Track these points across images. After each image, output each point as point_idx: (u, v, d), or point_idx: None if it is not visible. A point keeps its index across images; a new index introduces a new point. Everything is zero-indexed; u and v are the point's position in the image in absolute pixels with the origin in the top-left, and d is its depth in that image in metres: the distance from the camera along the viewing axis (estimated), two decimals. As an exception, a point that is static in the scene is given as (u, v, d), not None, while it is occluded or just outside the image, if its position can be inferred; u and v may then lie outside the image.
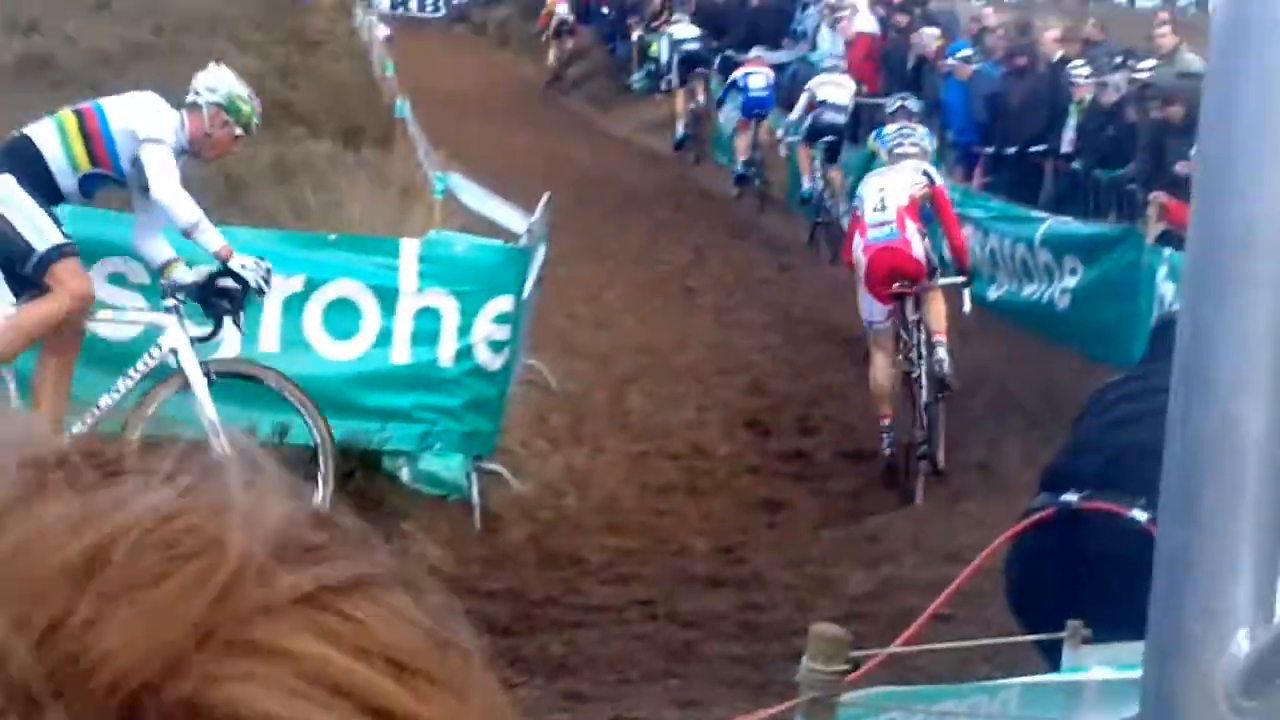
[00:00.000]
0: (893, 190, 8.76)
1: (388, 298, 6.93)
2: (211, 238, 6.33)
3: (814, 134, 14.33)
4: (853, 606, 5.80)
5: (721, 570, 6.78)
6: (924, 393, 8.31)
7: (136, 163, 6.37)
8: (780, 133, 15.57)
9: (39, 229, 6.23)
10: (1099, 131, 13.31)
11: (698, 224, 15.78)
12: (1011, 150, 14.54)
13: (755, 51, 18.53)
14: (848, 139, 14.32)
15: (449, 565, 6.59)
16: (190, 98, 6.65)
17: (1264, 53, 1.09)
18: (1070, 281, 11.11)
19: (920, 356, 8.38)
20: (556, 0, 26.67)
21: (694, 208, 16.95)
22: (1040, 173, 14.41)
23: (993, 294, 12.14)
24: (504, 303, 7.07)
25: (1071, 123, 13.88)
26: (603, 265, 13.07)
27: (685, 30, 20.08)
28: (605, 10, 28.23)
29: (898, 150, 9.34)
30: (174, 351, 6.27)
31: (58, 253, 6.21)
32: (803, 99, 14.90)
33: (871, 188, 8.95)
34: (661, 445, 8.47)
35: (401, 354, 6.97)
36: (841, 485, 8.02)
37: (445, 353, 6.99)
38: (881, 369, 8.61)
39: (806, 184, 13.76)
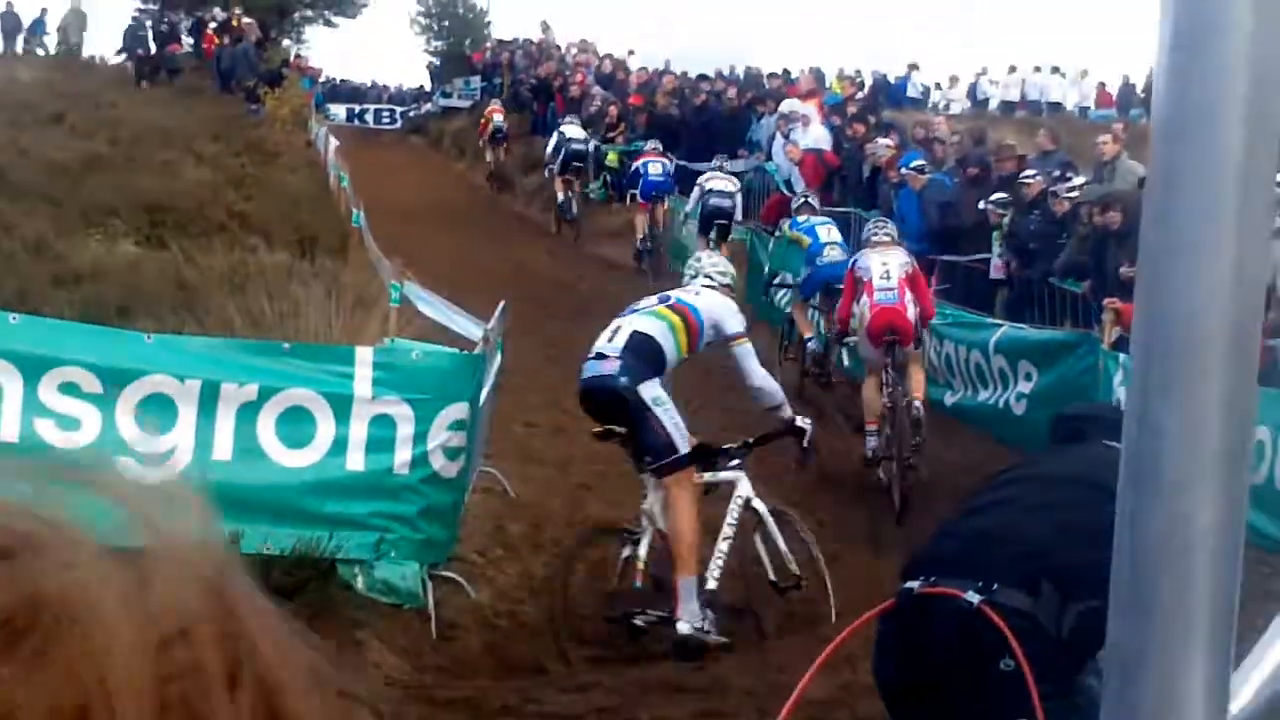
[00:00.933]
0: (893, 266, 10.88)
1: (342, 405, 6.92)
2: (786, 409, 7.90)
3: (706, 220, 17.77)
4: (814, 711, 5.76)
5: (683, 677, 6.73)
6: (904, 419, 10.47)
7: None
8: (681, 219, 19.06)
9: (683, 434, 7.29)
10: (1048, 237, 13.58)
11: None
12: (964, 259, 14.82)
13: (716, 162, 19.31)
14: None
15: (405, 674, 6.51)
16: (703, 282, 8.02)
17: (1203, 142, 1.10)
18: (1026, 386, 11.24)
19: (896, 406, 10.56)
20: (494, 111, 29.58)
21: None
22: (993, 280, 14.62)
23: (949, 400, 12.26)
24: (459, 410, 7.08)
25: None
26: (561, 371, 13.09)
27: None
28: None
29: (876, 239, 11.35)
30: (747, 500, 7.50)
31: (688, 459, 7.26)
32: (694, 193, 18.41)
33: (875, 262, 10.96)
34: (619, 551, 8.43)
35: (356, 461, 6.94)
36: (800, 592, 7.98)
37: (400, 460, 6.98)
38: (871, 389, 10.90)
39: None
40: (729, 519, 7.48)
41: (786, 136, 19.24)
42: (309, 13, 48.64)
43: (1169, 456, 1.13)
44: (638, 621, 7.25)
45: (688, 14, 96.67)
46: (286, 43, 44.86)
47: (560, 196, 22.81)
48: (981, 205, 14.56)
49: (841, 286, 11.55)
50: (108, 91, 27.31)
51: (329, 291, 10.80)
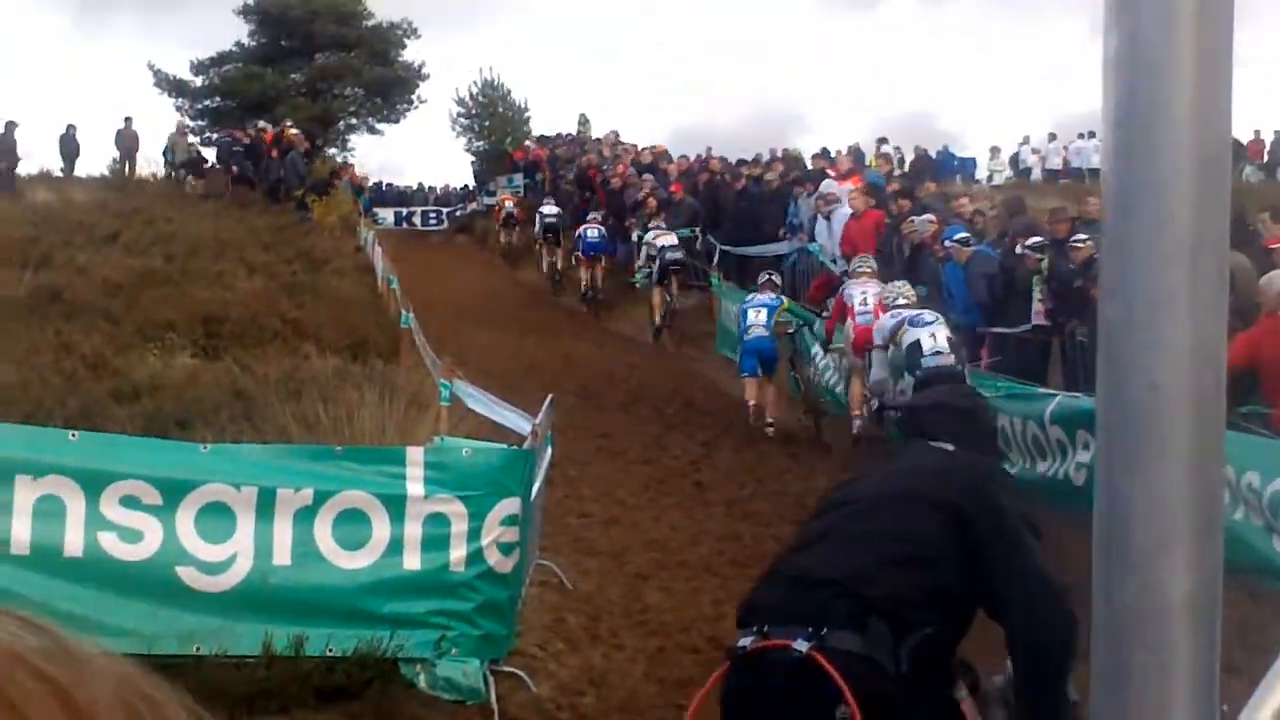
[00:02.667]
0: (870, 295, 14.28)
1: (396, 506, 7.02)
2: None
3: (663, 272, 21.16)
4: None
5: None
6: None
7: None
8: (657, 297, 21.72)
9: None
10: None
11: (705, 419, 15.94)
12: (1015, 330, 14.76)
13: (758, 249, 19.99)
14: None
15: (470, 771, 6.54)
16: None
17: (1154, 216, 1.13)
18: (1085, 456, 11.14)
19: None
20: (506, 198, 35.38)
21: (701, 402, 17.14)
22: (1046, 350, 14.54)
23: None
24: (511, 504, 7.15)
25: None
26: (613, 463, 13.18)
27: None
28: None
29: (859, 271, 14.92)
30: None
31: None
32: (642, 253, 22.17)
33: (856, 291, 14.56)
34: (680, 640, 8.42)
35: (413, 561, 7.02)
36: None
37: (456, 557, 7.04)
38: (857, 387, 14.26)
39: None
40: None
41: (828, 218, 19.35)
42: (353, 121, 49.75)
43: (1137, 527, 1.15)
44: None
45: (726, 96, 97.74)
46: (332, 151, 45.85)
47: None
48: (1018, 249, 14.53)
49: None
50: (160, 207, 27.92)
51: (381, 393, 10.94)
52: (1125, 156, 1.16)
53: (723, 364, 18.78)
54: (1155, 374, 1.13)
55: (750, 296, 16.34)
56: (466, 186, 46.24)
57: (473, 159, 50.14)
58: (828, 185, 20.47)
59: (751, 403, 15.31)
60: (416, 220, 43.40)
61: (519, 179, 38.72)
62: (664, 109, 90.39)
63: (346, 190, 33.17)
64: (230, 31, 48.94)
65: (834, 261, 18.90)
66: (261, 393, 11.75)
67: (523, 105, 51.84)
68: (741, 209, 23.49)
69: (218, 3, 61.20)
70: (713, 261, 22.39)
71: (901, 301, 13.19)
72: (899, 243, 17.46)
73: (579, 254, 25.69)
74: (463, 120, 51.90)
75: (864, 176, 22.11)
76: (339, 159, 44.23)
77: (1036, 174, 37.17)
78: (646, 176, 26.96)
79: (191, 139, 35.82)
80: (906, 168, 30.28)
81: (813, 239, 20.06)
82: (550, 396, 8.95)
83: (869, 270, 14.76)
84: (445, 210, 43.82)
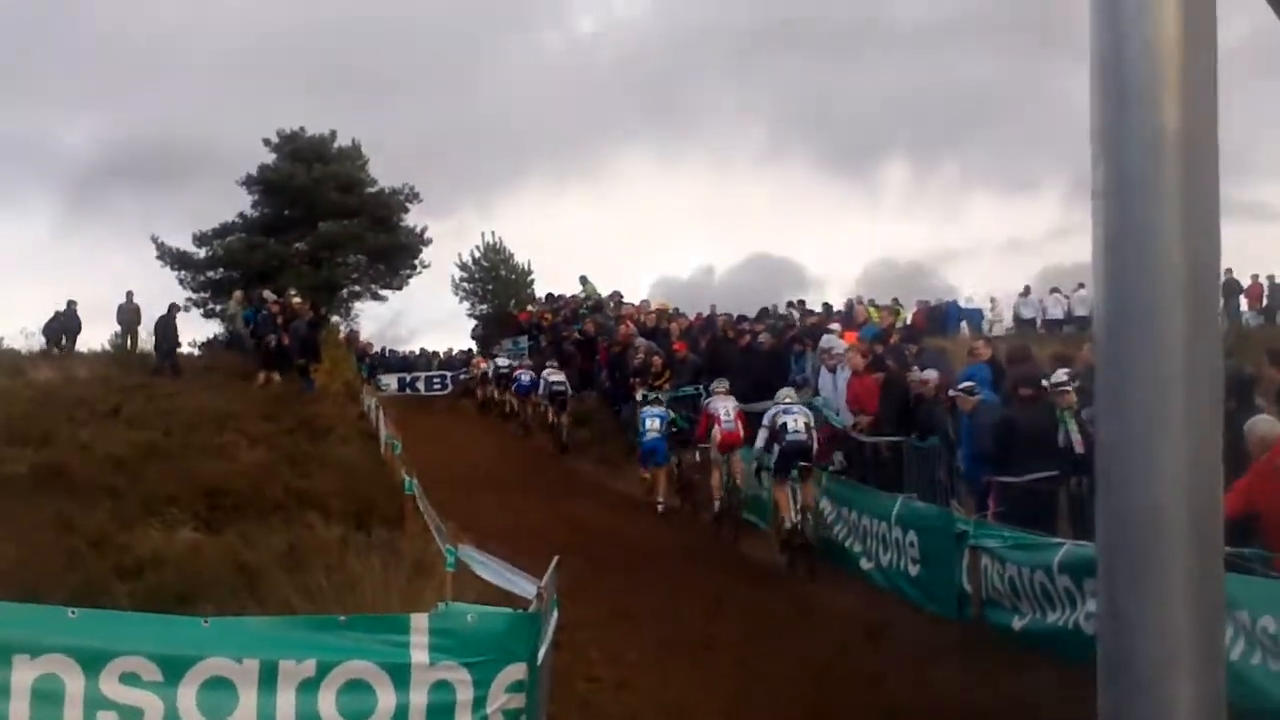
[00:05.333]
0: (731, 407, 19.56)
1: (401, 674, 6.98)
2: None
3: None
4: None
5: None
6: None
7: None
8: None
9: None
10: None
11: (713, 576, 15.90)
12: (1021, 479, 14.72)
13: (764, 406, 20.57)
14: None
15: None
16: None
17: (1146, 336, 1.16)
18: (1094, 605, 11.07)
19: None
20: (480, 360, 40.31)
21: (708, 559, 17.09)
22: (1054, 499, 14.51)
23: (1017, 624, 12.11)
24: (517, 670, 7.11)
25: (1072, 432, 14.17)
26: (621, 626, 13.10)
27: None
28: (605, 374, 29.37)
29: (718, 390, 20.10)
30: None
31: None
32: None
33: (720, 405, 19.66)
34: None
35: (418, 730, 6.98)
36: None
37: (462, 725, 7.01)
38: (717, 477, 19.79)
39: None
40: None
41: (833, 371, 19.57)
42: (356, 288, 50.35)
43: (1141, 648, 1.16)
44: None
45: (724, 252, 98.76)
46: (336, 319, 46.31)
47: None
48: (1045, 383, 14.49)
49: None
50: (162, 381, 28.14)
51: (386, 560, 10.95)
52: (1116, 279, 1.20)
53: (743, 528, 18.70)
54: (1155, 493, 1.14)
55: (646, 408, 22.81)
56: (469, 350, 46.65)
57: (475, 323, 50.76)
58: (830, 340, 20.72)
59: (654, 488, 21.97)
60: (420, 385, 43.76)
61: (523, 341, 39.10)
62: (661, 262, 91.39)
63: (350, 358, 33.44)
64: (233, 203, 49.58)
65: (837, 413, 19.07)
66: (264, 565, 11.76)
67: (525, 267, 52.66)
68: (746, 365, 23.69)
69: (220, 174, 62.40)
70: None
71: (787, 400, 17.51)
72: (902, 395, 17.56)
73: (514, 392, 33.47)
74: (465, 284, 52.67)
75: (861, 334, 22.35)
76: (343, 326, 44.69)
77: (1039, 322, 37.55)
78: (641, 341, 27.29)
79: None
80: (908, 319, 30.60)
81: (818, 393, 20.22)
82: (555, 559, 8.96)
83: (724, 389, 20.14)
84: (449, 374, 44.17)
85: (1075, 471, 13.90)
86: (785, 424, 16.78)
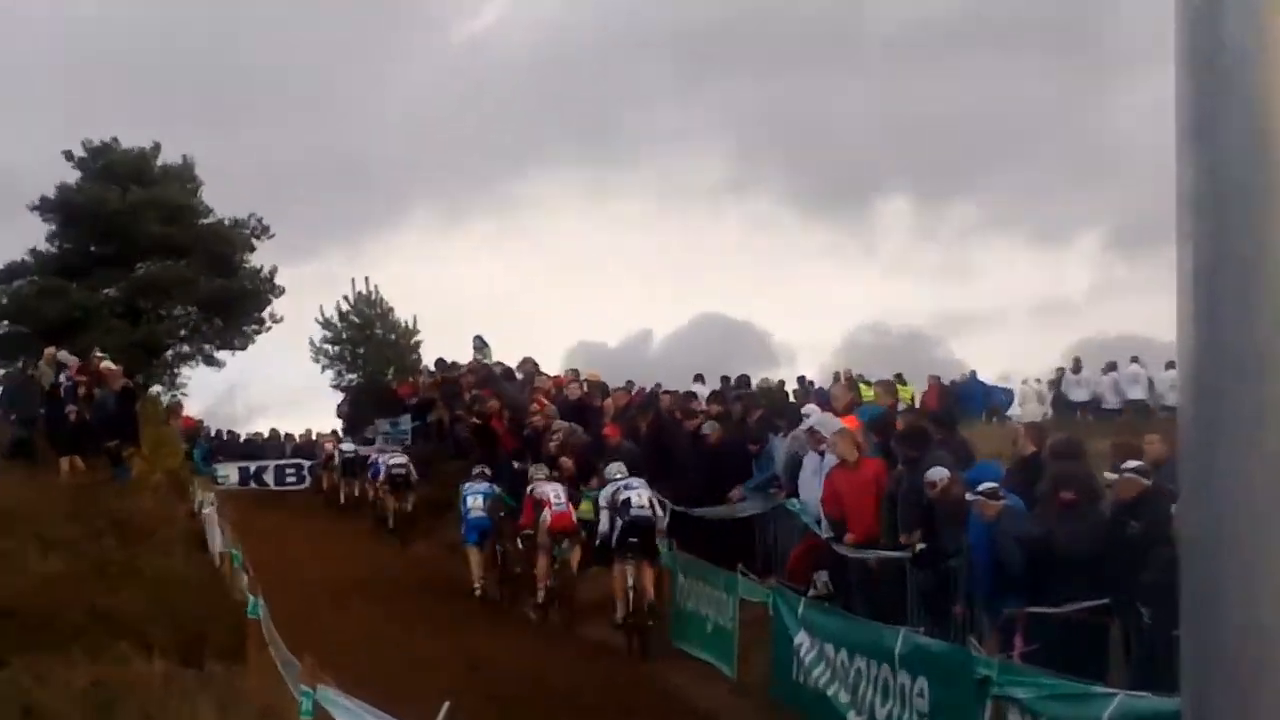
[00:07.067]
0: (561, 491, 23.66)
1: None
2: None
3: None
4: None
5: None
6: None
7: None
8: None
9: None
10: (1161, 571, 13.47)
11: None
12: (1058, 610, 14.60)
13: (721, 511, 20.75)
14: None
15: None
16: None
17: (1231, 453, 1.11)
18: (1164, 778, 11.03)
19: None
20: (329, 442, 42.46)
21: (650, 712, 17.00)
22: (1104, 636, 14.37)
23: (1057, 796, 12.07)
24: None
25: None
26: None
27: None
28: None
29: (539, 478, 24.51)
30: None
31: None
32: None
33: (549, 489, 23.67)
34: None
35: None
36: None
37: None
38: (543, 564, 23.33)
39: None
40: None
41: (821, 455, 19.07)
42: (185, 349, 49.61)
43: None
44: None
45: (665, 312, 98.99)
46: (157, 389, 45.80)
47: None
48: (1119, 471, 14.25)
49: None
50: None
51: (224, 704, 10.83)
52: (1207, 319, 1.16)
53: (682, 663, 18.70)
54: (1257, 607, 1.07)
55: (468, 485, 26.82)
56: (335, 433, 45.89)
57: (342, 396, 48.88)
58: (820, 419, 20.16)
59: (476, 570, 25.62)
60: (268, 478, 43.36)
61: (405, 422, 38.84)
62: (584, 324, 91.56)
63: (176, 439, 33.09)
64: (22, 235, 48.71)
65: (818, 523, 18.75)
66: (60, 708, 11.59)
67: (408, 325, 49.94)
68: (698, 456, 23.59)
69: (5, 196, 61.17)
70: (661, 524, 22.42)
71: (619, 476, 21.27)
72: (909, 494, 17.41)
73: (370, 480, 36.14)
74: (330, 347, 49.98)
75: (859, 415, 21.72)
76: (165, 397, 44.27)
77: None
78: (561, 424, 27.26)
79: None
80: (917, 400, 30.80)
81: (793, 494, 20.06)
82: (447, 704, 8.92)
83: (545, 475, 24.69)
84: (306, 465, 43.74)
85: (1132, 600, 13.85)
86: (629, 499, 20.60)
